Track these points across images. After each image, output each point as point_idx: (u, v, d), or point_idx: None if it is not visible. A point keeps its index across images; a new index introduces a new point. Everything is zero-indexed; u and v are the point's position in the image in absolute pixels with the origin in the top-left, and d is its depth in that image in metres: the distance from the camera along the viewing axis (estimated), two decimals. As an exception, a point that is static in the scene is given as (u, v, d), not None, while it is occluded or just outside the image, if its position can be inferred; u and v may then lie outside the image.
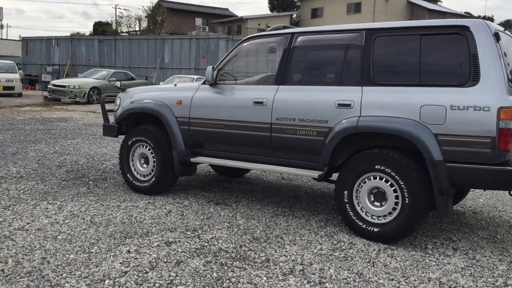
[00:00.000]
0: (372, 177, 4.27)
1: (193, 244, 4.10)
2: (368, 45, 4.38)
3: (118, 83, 6.53)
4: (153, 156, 5.64)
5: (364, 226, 4.31)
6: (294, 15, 56.13)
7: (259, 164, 5.00)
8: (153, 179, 5.62)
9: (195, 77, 20.16)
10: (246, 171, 7.04)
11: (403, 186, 4.08)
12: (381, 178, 4.22)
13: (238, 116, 5.00)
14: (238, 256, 3.88)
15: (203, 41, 26.05)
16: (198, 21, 54.78)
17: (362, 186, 4.33)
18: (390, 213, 4.21)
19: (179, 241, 4.17)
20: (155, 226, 4.54)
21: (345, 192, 4.39)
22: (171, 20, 46.81)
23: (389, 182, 4.18)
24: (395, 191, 4.16)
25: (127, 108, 5.80)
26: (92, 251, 3.89)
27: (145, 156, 5.77)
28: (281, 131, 4.73)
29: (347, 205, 4.39)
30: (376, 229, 4.24)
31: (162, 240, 4.17)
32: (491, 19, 62.28)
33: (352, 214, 4.37)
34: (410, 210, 4.06)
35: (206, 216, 4.93)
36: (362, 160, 4.28)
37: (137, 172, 5.81)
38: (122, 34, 47.02)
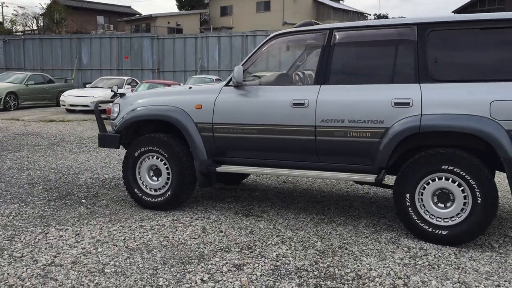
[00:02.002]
0: (437, 178, 4.09)
1: (264, 265, 3.67)
2: (422, 40, 4.19)
3: (115, 88, 5.82)
4: (166, 168, 5.07)
5: (430, 229, 4.12)
6: (205, 13, 55.55)
7: (300, 171, 4.65)
8: (169, 193, 5.05)
9: (126, 78, 19.09)
10: (244, 178, 6.63)
11: (474, 185, 3.95)
12: (447, 179, 4.06)
13: (274, 120, 4.61)
14: (323, 274, 3.53)
15: (125, 40, 24.81)
16: (100, 19, 52.42)
17: (425, 188, 4.14)
18: (458, 215, 4.06)
19: (247, 262, 3.72)
20: (205, 247, 4.05)
21: (407, 195, 4.18)
22: (72, 18, 44.12)
23: (457, 182, 4.02)
24: (463, 191, 4.02)
25: (133, 115, 5.17)
26: (160, 284, 3.34)
27: (155, 168, 5.17)
28: (327, 134, 4.42)
29: (410, 209, 4.18)
30: (444, 232, 4.08)
31: (227, 263, 3.70)
32: (386, 16, 65.85)
33: (416, 218, 4.17)
34: (482, 210, 3.94)
35: (247, 230, 4.50)
36: (427, 161, 4.09)
37: (146, 186, 5.20)
38: (17, 33, 43.58)
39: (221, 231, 4.47)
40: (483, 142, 4.01)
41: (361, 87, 4.37)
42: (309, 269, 3.61)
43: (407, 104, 4.13)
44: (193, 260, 3.77)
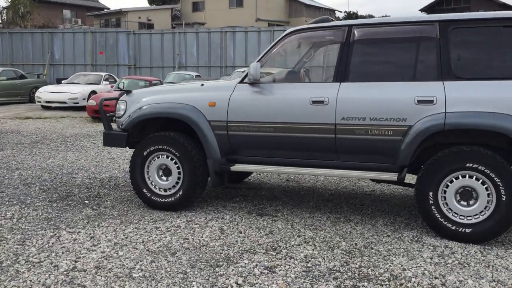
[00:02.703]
0: (460, 176, 4.09)
1: (295, 267, 3.59)
2: (444, 38, 4.18)
3: (122, 84, 5.61)
4: (177, 167, 4.93)
5: (453, 227, 4.12)
6: (176, 8, 54.90)
7: (318, 169, 4.58)
8: (180, 192, 4.91)
9: (103, 74, 18.67)
10: (247, 176, 6.53)
11: (499, 183, 3.96)
12: (471, 177, 4.06)
13: (292, 118, 4.52)
14: (357, 275, 3.47)
15: (100, 35, 24.27)
16: (67, 13, 51.19)
17: (449, 186, 4.13)
18: (481, 212, 4.07)
19: (278, 264, 3.63)
20: (229, 249, 3.94)
21: (430, 194, 4.16)
22: (38, 12, 42.80)
23: (481, 180, 4.03)
24: (487, 189, 4.02)
25: (142, 113, 4.99)
26: (195, 289, 3.22)
27: (164, 168, 5.02)
28: (348, 132, 4.36)
29: (433, 207, 4.16)
30: (468, 230, 4.07)
31: (257, 265, 3.61)
32: (355, 14, 66.56)
33: (439, 217, 4.16)
34: (507, 207, 3.95)
35: (266, 231, 4.41)
36: (451, 159, 4.08)
37: (155, 186, 5.05)
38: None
39: (240, 232, 4.36)
40: (506, 139, 4.02)
41: (382, 85, 4.32)
42: (341, 270, 3.55)
43: (431, 102, 4.10)
44: (221, 263, 3.65)
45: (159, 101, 5.02)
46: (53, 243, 4.05)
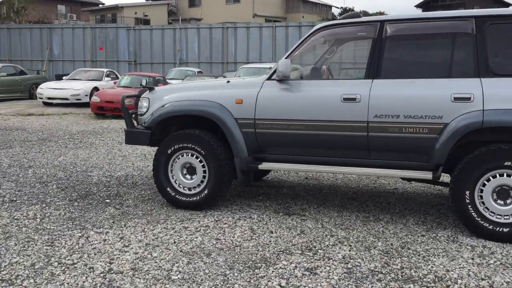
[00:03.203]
0: (498, 175, 4.02)
1: (336, 269, 3.52)
2: (481, 34, 4.10)
3: (144, 81, 5.49)
4: (202, 166, 4.83)
5: (491, 227, 4.05)
6: (171, 4, 54.48)
7: (349, 168, 4.50)
8: (206, 191, 4.82)
9: (105, 70, 18.50)
10: (265, 174, 6.44)
11: (538, 182, 3.89)
12: (508, 175, 3.99)
13: (323, 115, 4.44)
14: (401, 277, 3.40)
15: (99, 30, 24.04)
16: (61, 8, 50.74)
17: (485, 185, 4.06)
18: (519, 211, 4.00)
19: (318, 266, 3.55)
20: (263, 250, 3.86)
21: (467, 193, 4.09)
22: (33, 7, 42.33)
23: (518, 179, 3.96)
24: (524, 188, 3.96)
25: (167, 110, 4.89)
26: (239, 292, 3.13)
27: (188, 166, 4.92)
28: (381, 129, 4.28)
29: (470, 206, 4.09)
30: (505, 230, 4.01)
31: (296, 267, 3.53)
32: (351, 10, 66.46)
33: (475, 216, 4.09)
34: (546, 206, 3.89)
35: (297, 230, 4.33)
36: (489, 157, 4.01)
37: (179, 185, 4.95)
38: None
39: (271, 232, 4.28)
40: None
41: (417, 82, 4.24)
42: (383, 271, 3.47)
43: (468, 99, 4.03)
44: (259, 264, 3.57)
45: (184, 99, 4.91)
46: (82, 243, 3.95)
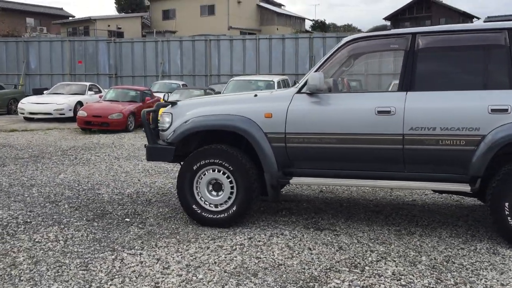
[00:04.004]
0: (537, 186, 4.02)
1: (391, 286, 3.43)
2: (515, 46, 4.12)
3: (166, 96, 5.35)
4: (230, 182, 4.71)
5: (531, 238, 4.04)
6: (143, 16, 54.10)
7: (384, 181, 4.45)
8: (234, 208, 4.70)
9: (87, 83, 18.15)
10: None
11: None
12: (548, 186, 3.99)
13: (357, 129, 4.38)
14: (458, 292, 3.34)
15: (78, 43, 23.62)
16: (30, 21, 49.82)
17: (525, 196, 4.06)
18: (559, 222, 4.01)
19: (372, 283, 3.47)
20: (309, 268, 3.76)
21: (506, 204, 4.08)
22: (1, 20, 41.33)
23: (558, 190, 3.97)
24: None
25: (193, 125, 4.75)
26: (302, 314, 3.02)
27: (214, 182, 4.79)
28: (417, 142, 4.25)
29: (509, 217, 4.08)
30: (546, 241, 4.00)
31: (350, 285, 3.43)
32: (323, 22, 67.33)
33: (515, 227, 4.08)
34: None
35: (334, 246, 4.25)
36: (527, 169, 4.01)
37: (204, 202, 4.81)
38: None
39: (310, 249, 4.18)
40: None
41: (452, 94, 4.23)
42: None
43: (505, 110, 4.04)
44: (310, 284, 3.47)
45: (210, 113, 4.79)
46: (119, 266, 3.78)
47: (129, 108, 14.16)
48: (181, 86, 18.68)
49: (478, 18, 66.73)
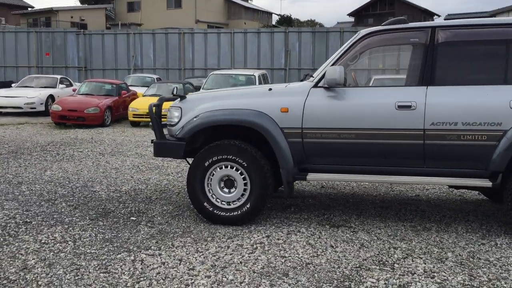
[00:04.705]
0: (558, 181, 4.05)
1: (428, 284, 3.38)
2: (534, 41, 4.13)
3: (175, 88, 5.13)
4: (243, 178, 4.57)
5: (551, 232, 4.07)
6: (106, 8, 52.76)
7: (404, 177, 4.39)
8: (248, 205, 4.56)
9: (58, 76, 17.55)
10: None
11: None
12: None
13: (376, 123, 4.31)
14: (495, 289, 3.32)
15: (45, 35, 22.80)
16: (-15, 11, 47.94)
17: (546, 190, 4.08)
18: None
19: (408, 282, 3.41)
20: (338, 266, 3.68)
21: (525, 199, 4.10)
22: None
23: None
24: None
25: (206, 120, 4.58)
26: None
27: (226, 179, 4.64)
28: (438, 137, 4.21)
29: (529, 212, 4.10)
30: None
31: (386, 284, 3.37)
32: (289, 17, 67.66)
33: (535, 222, 4.10)
34: None
35: (356, 244, 4.18)
36: (549, 164, 4.04)
37: (216, 199, 4.66)
38: None
39: (332, 246, 4.10)
40: None
41: (473, 88, 4.21)
42: (475, 285, 3.39)
43: (527, 106, 4.04)
44: (346, 283, 3.38)
45: (223, 107, 4.63)
46: (142, 268, 3.60)
47: (105, 102, 13.76)
48: (155, 80, 18.30)
49: (439, 16, 68.43)
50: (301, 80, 5.28)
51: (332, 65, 4.47)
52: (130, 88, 16.28)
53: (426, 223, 4.79)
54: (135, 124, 13.89)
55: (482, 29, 4.33)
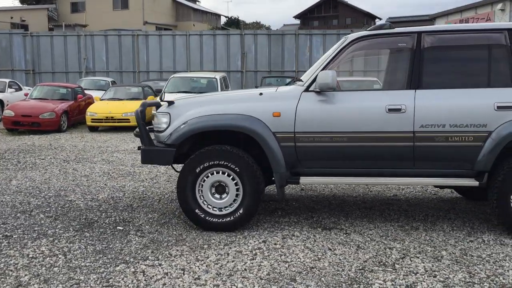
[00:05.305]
0: (539, 178, 4.26)
1: (432, 284, 3.48)
2: (514, 45, 4.33)
3: (163, 94, 4.97)
4: (235, 183, 4.54)
5: (534, 228, 4.28)
6: (48, 8, 50.94)
7: (393, 178, 4.51)
8: (240, 211, 4.54)
9: (7, 80, 16.80)
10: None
11: None
12: (550, 178, 4.25)
13: (368, 126, 4.39)
14: (494, 285, 3.45)
15: (-11, 37, 21.77)
16: None
17: (529, 188, 4.29)
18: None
19: (414, 282, 3.49)
20: (343, 270, 3.72)
21: (511, 196, 4.29)
22: None
23: (558, 181, 4.24)
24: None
25: (196, 125, 4.51)
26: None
27: (217, 185, 4.60)
28: (427, 139, 4.34)
29: (513, 209, 4.30)
30: (549, 229, 4.26)
31: (393, 285, 3.43)
32: (237, 19, 67.94)
33: (518, 218, 4.30)
34: None
35: (353, 246, 4.23)
36: (532, 163, 4.24)
37: (208, 206, 4.60)
38: None
39: (330, 249, 4.14)
40: None
41: (460, 91, 4.37)
42: (475, 281, 3.50)
43: (511, 107, 4.23)
44: (353, 285, 3.43)
45: (214, 113, 4.58)
46: (145, 280, 3.50)
47: (61, 106, 13.30)
48: (110, 83, 17.86)
49: (380, 19, 70.62)
50: (287, 84, 5.31)
51: (323, 69, 4.51)
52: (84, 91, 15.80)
53: (412, 222, 4.91)
54: (93, 129, 13.51)
55: (465, 34, 4.50)
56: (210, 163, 4.53)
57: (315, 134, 4.45)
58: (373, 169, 4.53)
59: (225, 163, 4.51)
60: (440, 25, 4.70)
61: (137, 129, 4.98)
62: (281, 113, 4.48)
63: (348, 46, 4.58)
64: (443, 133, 4.31)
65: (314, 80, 4.49)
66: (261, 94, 4.67)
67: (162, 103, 4.86)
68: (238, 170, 4.50)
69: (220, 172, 4.55)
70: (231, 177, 4.54)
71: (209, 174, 4.57)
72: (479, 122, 4.27)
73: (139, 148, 4.81)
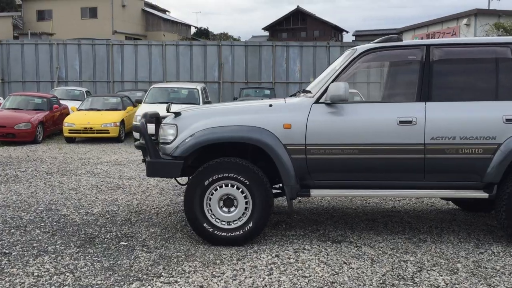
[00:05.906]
0: (546, 190, 4.33)
1: (454, 295, 3.46)
2: (520, 59, 4.42)
3: (170, 105, 4.84)
4: (245, 197, 4.46)
5: (542, 239, 4.34)
6: (13, 17, 49.66)
7: (403, 191, 4.51)
8: (250, 224, 4.45)
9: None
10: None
11: None
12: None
13: (379, 139, 4.39)
14: (517, 297, 3.47)
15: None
16: None
17: (538, 200, 4.35)
18: None
19: (437, 295, 3.46)
20: (363, 284, 3.68)
21: (519, 209, 4.35)
22: None
23: None
24: None
25: (205, 137, 4.41)
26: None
27: (225, 198, 4.50)
28: (438, 152, 4.36)
29: (525, 221, 4.35)
30: (555, 240, 4.33)
31: (419, 298, 3.40)
32: (207, 30, 67.92)
33: (528, 230, 4.36)
34: None
35: (366, 259, 4.20)
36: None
37: (216, 220, 4.50)
38: None
39: (346, 263, 4.09)
40: None
41: (469, 104, 4.42)
42: (497, 294, 3.50)
43: (519, 120, 4.30)
44: (380, 300, 3.37)
45: (223, 124, 4.49)
46: (165, 299, 3.35)
47: (37, 117, 12.92)
48: (85, 93, 17.49)
49: (347, 32, 71.85)
50: (291, 96, 5.27)
51: (333, 81, 4.48)
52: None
53: (418, 234, 4.92)
54: (70, 140, 13.16)
55: (473, 47, 4.56)
56: (220, 176, 4.43)
57: (326, 146, 4.41)
58: (384, 182, 4.51)
59: (234, 176, 4.42)
60: (448, 38, 4.76)
61: (140, 141, 4.85)
62: (291, 125, 4.43)
63: (357, 58, 4.57)
64: (454, 145, 4.34)
65: (325, 91, 4.46)
66: (270, 105, 4.61)
67: (167, 114, 4.73)
68: (248, 183, 4.42)
69: (229, 185, 4.45)
70: (240, 190, 4.45)
71: (218, 187, 4.47)
72: (489, 135, 4.32)
73: (143, 160, 4.67)
